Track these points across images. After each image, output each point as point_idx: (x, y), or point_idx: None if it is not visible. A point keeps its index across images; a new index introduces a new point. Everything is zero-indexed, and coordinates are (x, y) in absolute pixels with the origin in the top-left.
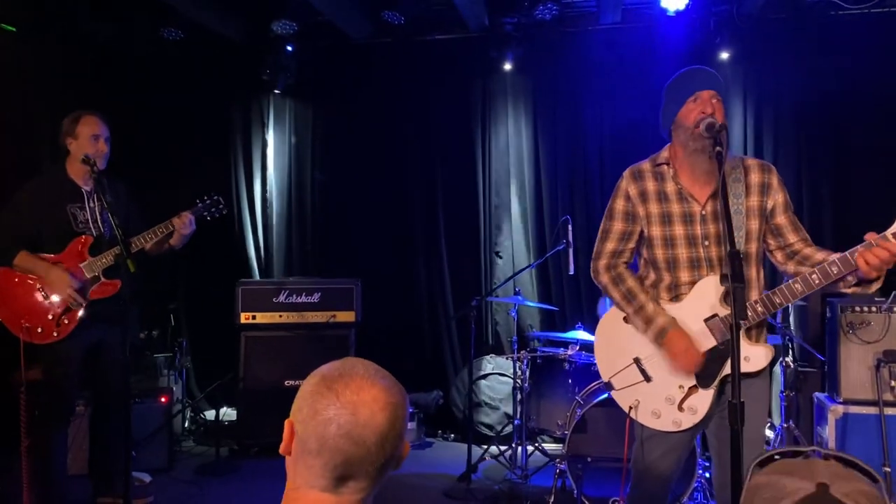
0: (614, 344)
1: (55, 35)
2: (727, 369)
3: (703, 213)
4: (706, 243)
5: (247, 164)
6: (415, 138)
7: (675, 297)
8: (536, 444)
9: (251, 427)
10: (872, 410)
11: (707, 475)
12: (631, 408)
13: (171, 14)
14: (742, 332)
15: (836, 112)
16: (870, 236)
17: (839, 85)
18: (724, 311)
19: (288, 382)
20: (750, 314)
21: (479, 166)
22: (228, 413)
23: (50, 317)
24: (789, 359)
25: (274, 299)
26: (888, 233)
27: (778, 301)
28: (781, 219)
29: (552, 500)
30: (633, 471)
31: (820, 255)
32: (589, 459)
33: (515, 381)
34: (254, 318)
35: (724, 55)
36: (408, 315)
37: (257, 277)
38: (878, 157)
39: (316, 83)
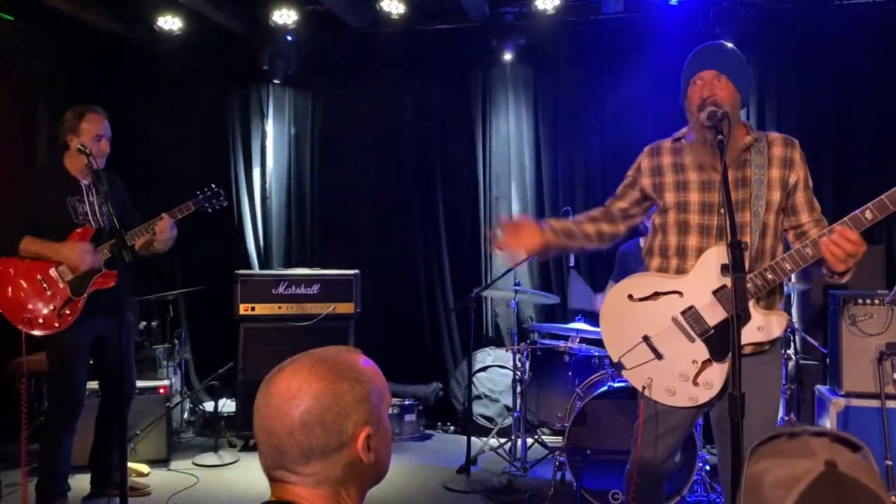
0: (622, 323)
1: (53, 24)
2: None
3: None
4: (722, 211)
5: (246, 155)
6: (415, 128)
7: (681, 270)
8: (536, 437)
9: (250, 418)
10: (874, 403)
11: (707, 468)
12: (644, 387)
13: (170, 3)
14: (753, 302)
15: (839, 103)
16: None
17: (842, 76)
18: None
19: None
20: (760, 283)
21: (480, 157)
22: (227, 404)
23: (51, 307)
24: (791, 351)
25: (273, 291)
26: (847, 219)
27: (788, 267)
28: (800, 196)
29: (551, 492)
30: (639, 454)
31: (815, 231)
32: (588, 452)
33: (515, 374)
34: (253, 309)
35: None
36: (407, 307)
37: (256, 269)
38: (880, 148)
39: (315, 73)
